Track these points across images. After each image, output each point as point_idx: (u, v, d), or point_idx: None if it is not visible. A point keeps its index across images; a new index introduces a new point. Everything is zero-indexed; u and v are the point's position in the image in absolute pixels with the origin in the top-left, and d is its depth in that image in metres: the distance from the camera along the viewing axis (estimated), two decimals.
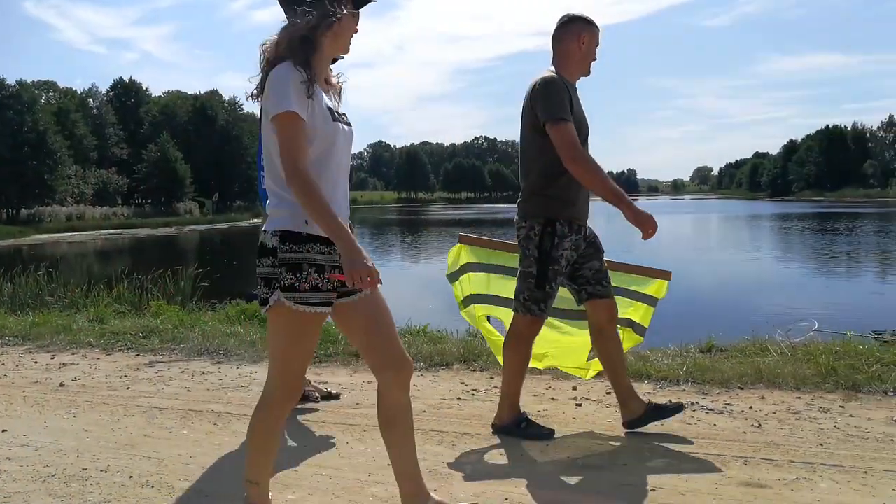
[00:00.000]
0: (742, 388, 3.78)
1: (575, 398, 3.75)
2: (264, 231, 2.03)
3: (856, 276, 17.24)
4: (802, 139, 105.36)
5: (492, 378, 4.13)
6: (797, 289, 13.78)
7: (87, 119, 57.93)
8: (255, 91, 2.06)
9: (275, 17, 2.19)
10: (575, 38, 3.12)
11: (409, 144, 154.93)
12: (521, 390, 3.24)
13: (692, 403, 3.55)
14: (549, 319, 3.38)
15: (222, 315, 6.43)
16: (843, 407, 3.47)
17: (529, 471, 2.80)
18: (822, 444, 2.98)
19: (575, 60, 3.14)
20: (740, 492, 2.55)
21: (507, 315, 3.41)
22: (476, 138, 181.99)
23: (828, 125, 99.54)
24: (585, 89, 3.41)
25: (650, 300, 3.51)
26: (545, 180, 3.05)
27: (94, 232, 42.53)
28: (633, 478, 2.69)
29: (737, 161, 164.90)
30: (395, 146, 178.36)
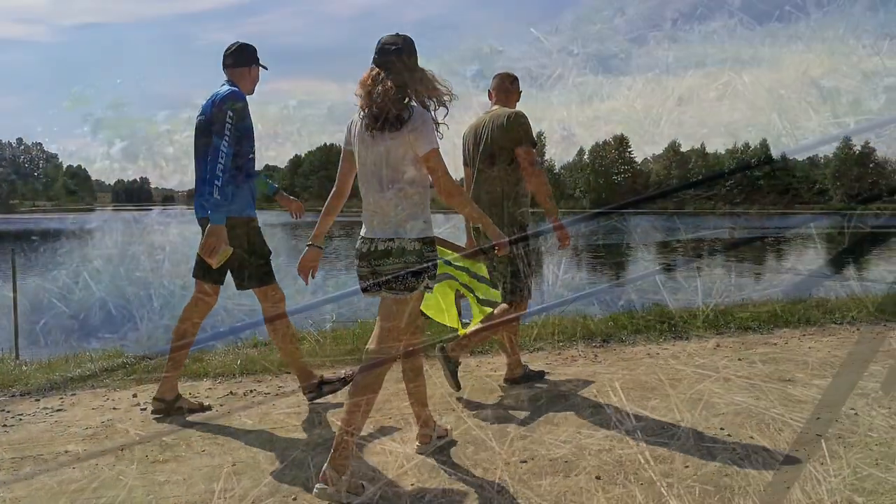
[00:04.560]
0: (289, 373, 4.38)
1: (137, 404, 3.82)
2: (406, 238, 2.56)
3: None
4: (306, 154, 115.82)
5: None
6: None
7: None
8: (374, 123, 2.53)
9: None
10: (516, 93, 4.06)
11: None
12: None
13: (251, 391, 4.01)
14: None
15: None
16: None
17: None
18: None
19: (512, 104, 4.04)
20: (329, 440, 3.11)
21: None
22: None
23: (325, 143, 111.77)
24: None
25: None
26: (524, 192, 3.84)
27: None
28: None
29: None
30: None
